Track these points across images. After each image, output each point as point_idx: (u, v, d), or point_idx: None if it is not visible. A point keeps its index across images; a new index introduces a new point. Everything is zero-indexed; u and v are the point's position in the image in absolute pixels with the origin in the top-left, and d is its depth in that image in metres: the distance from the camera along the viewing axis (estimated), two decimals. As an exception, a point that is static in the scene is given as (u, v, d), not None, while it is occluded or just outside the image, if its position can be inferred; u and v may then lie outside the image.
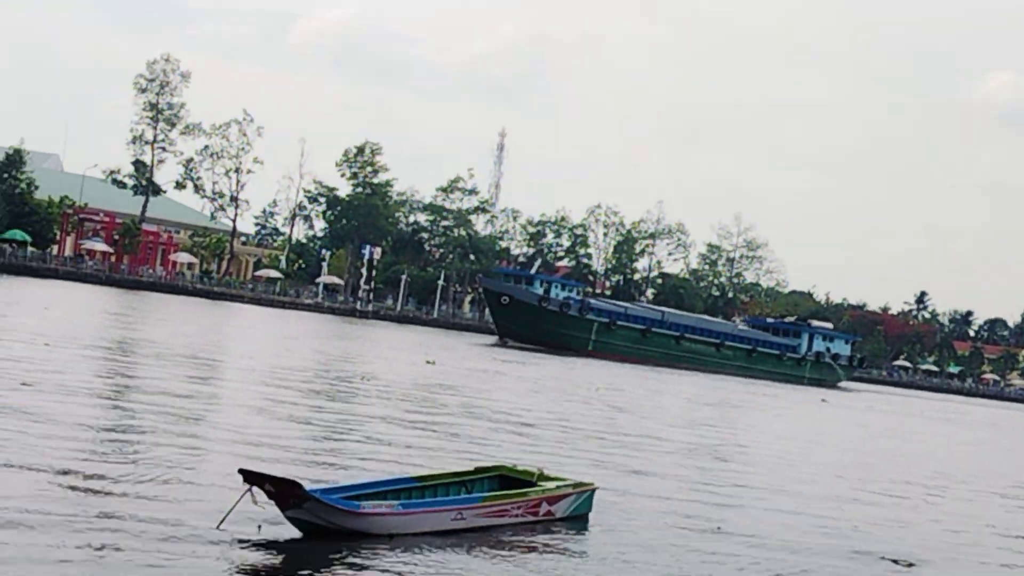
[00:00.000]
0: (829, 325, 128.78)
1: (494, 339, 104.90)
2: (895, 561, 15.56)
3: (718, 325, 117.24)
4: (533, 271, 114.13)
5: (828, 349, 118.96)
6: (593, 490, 15.91)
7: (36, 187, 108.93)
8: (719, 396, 60.68)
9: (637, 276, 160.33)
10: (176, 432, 18.71)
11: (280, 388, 29.30)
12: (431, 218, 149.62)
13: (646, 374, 77.09)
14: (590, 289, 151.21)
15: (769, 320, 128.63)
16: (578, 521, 15.25)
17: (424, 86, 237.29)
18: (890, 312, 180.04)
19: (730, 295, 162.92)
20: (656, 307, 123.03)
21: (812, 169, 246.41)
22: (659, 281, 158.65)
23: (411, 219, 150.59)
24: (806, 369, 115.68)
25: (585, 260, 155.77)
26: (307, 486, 12.22)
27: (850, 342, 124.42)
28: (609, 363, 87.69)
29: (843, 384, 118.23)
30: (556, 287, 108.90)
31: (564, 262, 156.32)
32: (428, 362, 50.68)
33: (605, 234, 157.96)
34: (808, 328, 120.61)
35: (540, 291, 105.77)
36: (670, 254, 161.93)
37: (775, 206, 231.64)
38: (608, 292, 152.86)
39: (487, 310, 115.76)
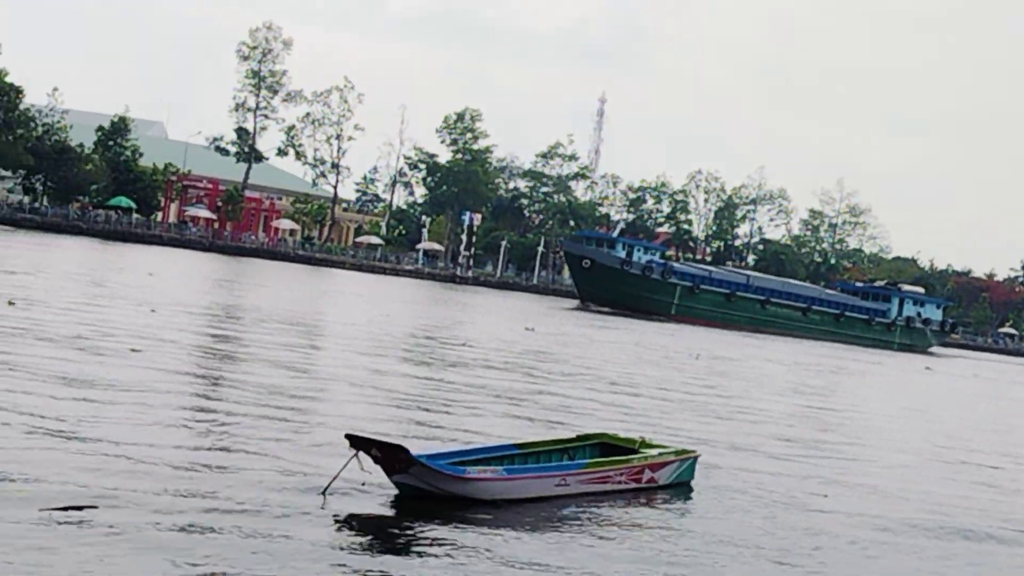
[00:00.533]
0: (920, 289, 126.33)
1: (575, 303, 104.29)
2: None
3: (805, 289, 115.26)
4: (615, 234, 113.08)
5: (919, 314, 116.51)
6: (696, 457, 15.81)
7: (141, 154, 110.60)
8: (820, 362, 60.03)
9: (738, 243, 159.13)
10: (281, 395, 18.89)
11: (381, 355, 29.47)
12: (531, 184, 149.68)
13: (741, 340, 76.50)
14: (688, 255, 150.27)
15: (858, 284, 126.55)
16: (681, 488, 15.15)
17: (524, 52, 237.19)
18: (996, 279, 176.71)
19: (832, 261, 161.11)
20: (741, 271, 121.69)
21: (916, 133, 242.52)
22: (760, 247, 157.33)
23: (511, 185, 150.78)
24: (896, 334, 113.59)
25: (685, 226, 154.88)
26: (412, 451, 12.26)
27: (941, 307, 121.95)
28: (695, 328, 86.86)
29: (934, 350, 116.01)
30: (639, 250, 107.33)
31: (664, 228, 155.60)
32: (527, 328, 50.71)
33: (706, 200, 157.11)
34: (898, 292, 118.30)
35: (622, 254, 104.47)
36: (771, 220, 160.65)
37: (878, 171, 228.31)
38: (709, 258, 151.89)
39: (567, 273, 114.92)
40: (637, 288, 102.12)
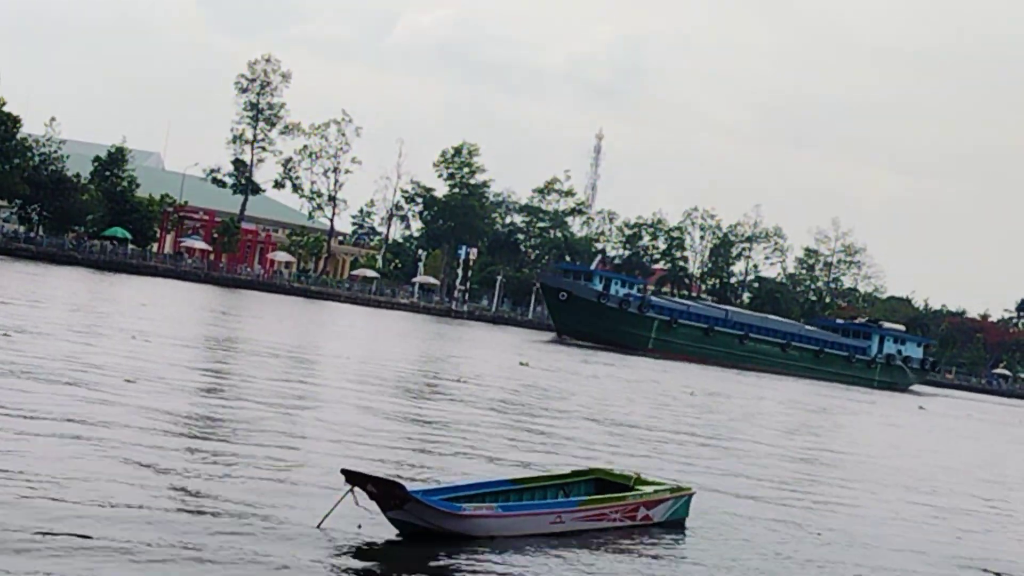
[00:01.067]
0: (901, 327, 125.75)
1: (551, 336, 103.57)
2: None
3: (784, 325, 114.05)
4: (593, 267, 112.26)
5: (899, 352, 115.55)
6: (691, 495, 15.76)
7: (137, 185, 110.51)
8: (813, 400, 59.97)
9: (734, 280, 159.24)
10: (274, 432, 18.83)
11: (377, 388, 29.42)
12: (527, 219, 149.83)
13: (734, 377, 76.43)
14: (684, 291, 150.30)
15: (838, 321, 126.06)
16: (676, 526, 15.10)
17: (522, 87, 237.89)
18: (990, 320, 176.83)
19: (827, 300, 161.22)
20: (720, 305, 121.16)
21: (911, 173, 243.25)
22: (756, 285, 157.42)
23: (507, 220, 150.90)
24: (876, 372, 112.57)
25: (681, 263, 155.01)
26: (408, 487, 12.21)
27: (922, 345, 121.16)
28: (679, 364, 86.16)
29: (915, 388, 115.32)
30: (616, 283, 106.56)
31: (660, 264, 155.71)
32: (522, 363, 50.66)
33: (702, 237, 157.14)
34: (879, 330, 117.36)
35: (600, 287, 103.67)
36: (767, 258, 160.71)
37: (874, 210, 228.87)
38: (704, 295, 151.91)
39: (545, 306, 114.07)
40: (614, 321, 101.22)
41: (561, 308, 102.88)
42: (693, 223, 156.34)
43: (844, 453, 30.86)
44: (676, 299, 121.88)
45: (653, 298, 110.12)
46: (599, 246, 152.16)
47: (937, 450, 38.57)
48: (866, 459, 30.12)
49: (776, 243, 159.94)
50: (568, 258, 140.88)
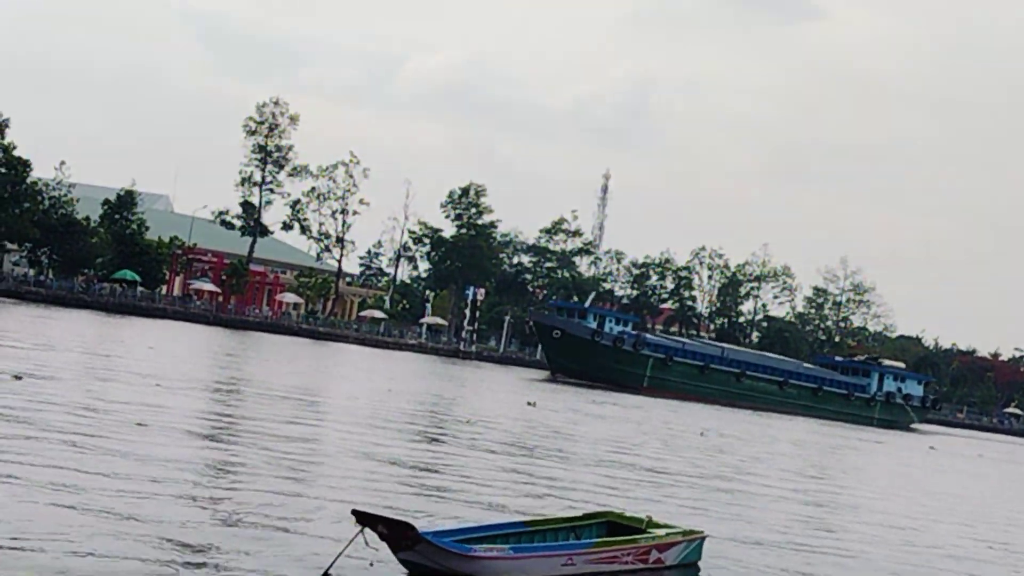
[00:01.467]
0: (901, 364, 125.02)
1: (545, 374, 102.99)
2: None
3: (782, 363, 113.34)
4: (587, 304, 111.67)
5: (899, 389, 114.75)
6: (703, 538, 15.68)
7: (147, 228, 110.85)
8: (821, 440, 59.76)
9: (742, 320, 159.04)
10: (282, 476, 18.78)
11: (386, 430, 29.35)
12: (535, 259, 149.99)
13: (741, 416, 76.20)
14: (692, 331, 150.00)
15: (837, 358, 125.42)
16: (688, 570, 15.02)
17: (529, 128, 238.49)
18: (1000, 359, 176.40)
19: (837, 340, 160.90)
20: (716, 343, 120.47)
21: (920, 211, 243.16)
22: (764, 325, 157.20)
23: (515, 260, 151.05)
24: (876, 410, 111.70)
25: (689, 303, 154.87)
26: (419, 528, 12.16)
27: (923, 383, 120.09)
28: (667, 401, 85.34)
29: (916, 427, 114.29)
30: (610, 321, 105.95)
31: (668, 304, 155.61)
32: (529, 403, 50.59)
33: (710, 277, 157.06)
34: (878, 367, 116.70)
35: (593, 325, 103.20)
36: (775, 297, 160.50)
37: (883, 249, 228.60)
38: (712, 335, 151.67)
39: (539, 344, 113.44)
40: (608, 359, 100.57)
41: (555, 346, 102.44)
42: (701, 262, 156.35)
43: (859, 496, 30.71)
44: (671, 336, 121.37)
45: (648, 336, 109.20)
46: (607, 286, 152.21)
47: (956, 492, 38.37)
48: (882, 501, 29.97)
49: (785, 282, 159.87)
50: (576, 298, 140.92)
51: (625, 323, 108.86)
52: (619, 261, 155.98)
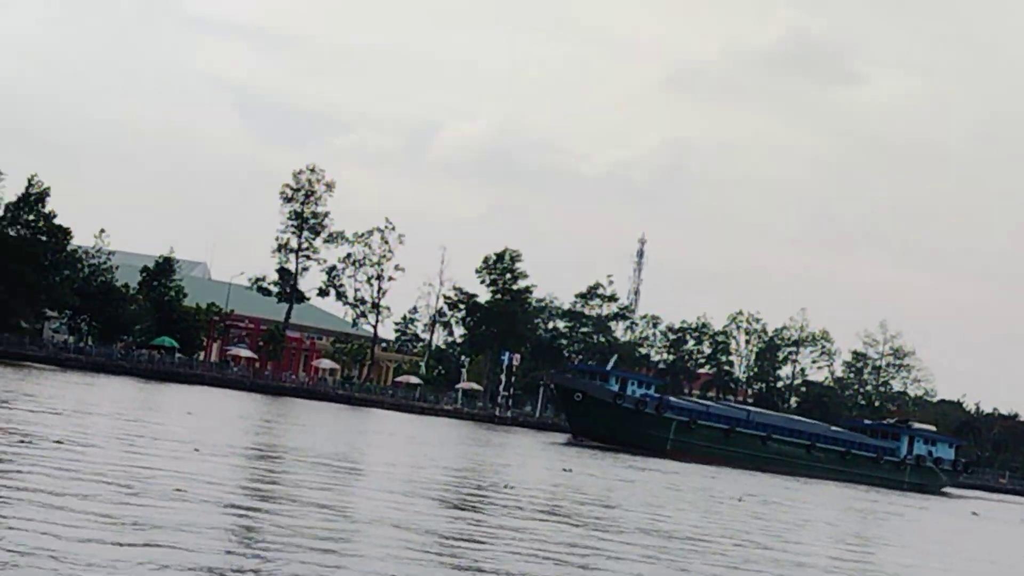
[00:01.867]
0: (932, 427, 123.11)
1: (566, 437, 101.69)
2: None
3: (809, 425, 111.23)
4: (609, 367, 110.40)
5: (930, 453, 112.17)
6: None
7: (184, 295, 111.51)
8: (862, 506, 59.15)
9: (780, 384, 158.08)
10: (320, 545, 18.69)
11: (424, 497, 29.23)
12: (570, 324, 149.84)
13: (776, 482, 75.52)
14: (730, 396, 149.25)
15: (866, 421, 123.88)
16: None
17: (564, 193, 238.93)
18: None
19: (876, 404, 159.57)
20: (741, 406, 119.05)
21: (960, 275, 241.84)
22: (803, 389, 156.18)
23: (550, 325, 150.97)
24: (906, 474, 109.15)
25: (727, 368, 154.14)
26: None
27: (954, 446, 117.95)
28: (693, 465, 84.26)
29: (947, 491, 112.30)
30: (632, 384, 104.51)
31: (705, 369, 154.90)
32: (565, 469, 50.36)
33: (747, 341, 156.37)
34: (908, 430, 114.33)
35: (616, 388, 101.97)
36: (814, 362, 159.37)
37: (922, 313, 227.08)
38: (750, 400, 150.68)
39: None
40: (631, 423, 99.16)
41: (576, 409, 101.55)
42: (738, 327, 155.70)
43: (906, 564, 30.33)
44: (695, 399, 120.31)
45: (671, 398, 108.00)
46: (643, 351, 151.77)
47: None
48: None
49: (823, 347, 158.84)
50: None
51: (648, 386, 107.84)
52: (655, 326, 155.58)
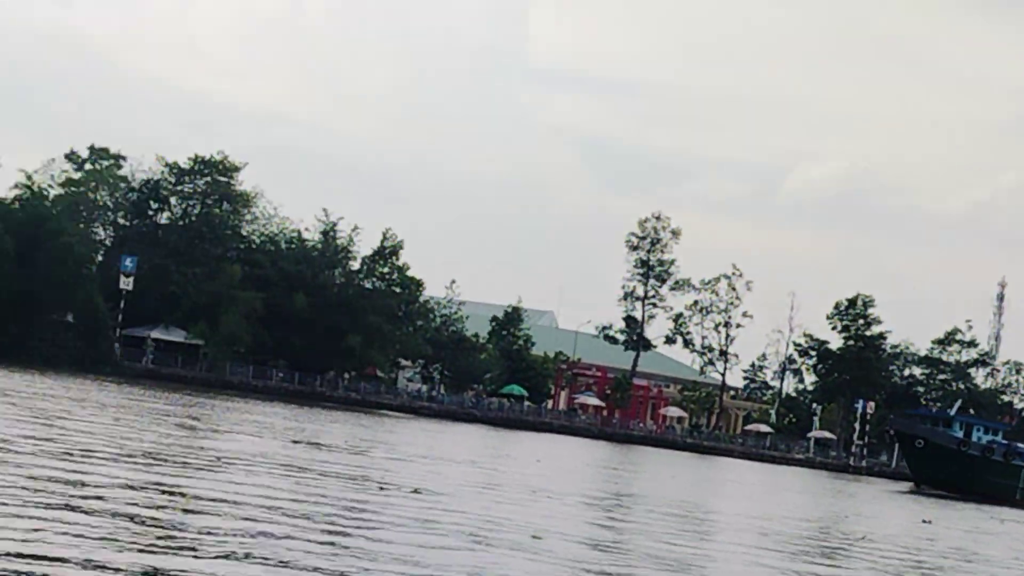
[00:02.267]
0: None
1: (908, 485, 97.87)
2: None
3: None
4: (953, 412, 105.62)
5: None
6: None
7: (533, 343, 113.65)
8: None
9: None
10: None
11: (776, 549, 28.35)
12: (927, 371, 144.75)
13: None
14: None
15: None
16: None
17: (917, 236, 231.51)
18: None
19: None
20: None
21: None
22: None
23: (906, 372, 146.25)
24: None
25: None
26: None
27: None
28: None
29: None
30: (978, 430, 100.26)
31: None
32: (924, 521, 48.15)
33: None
34: None
35: (960, 434, 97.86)
36: None
37: None
38: None
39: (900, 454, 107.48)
40: (977, 471, 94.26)
41: (918, 456, 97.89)
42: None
43: None
44: None
45: (1020, 445, 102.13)
46: (1005, 398, 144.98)
47: None
48: None
49: None
50: (973, 411, 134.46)
51: (995, 432, 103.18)
52: (1018, 372, 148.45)
